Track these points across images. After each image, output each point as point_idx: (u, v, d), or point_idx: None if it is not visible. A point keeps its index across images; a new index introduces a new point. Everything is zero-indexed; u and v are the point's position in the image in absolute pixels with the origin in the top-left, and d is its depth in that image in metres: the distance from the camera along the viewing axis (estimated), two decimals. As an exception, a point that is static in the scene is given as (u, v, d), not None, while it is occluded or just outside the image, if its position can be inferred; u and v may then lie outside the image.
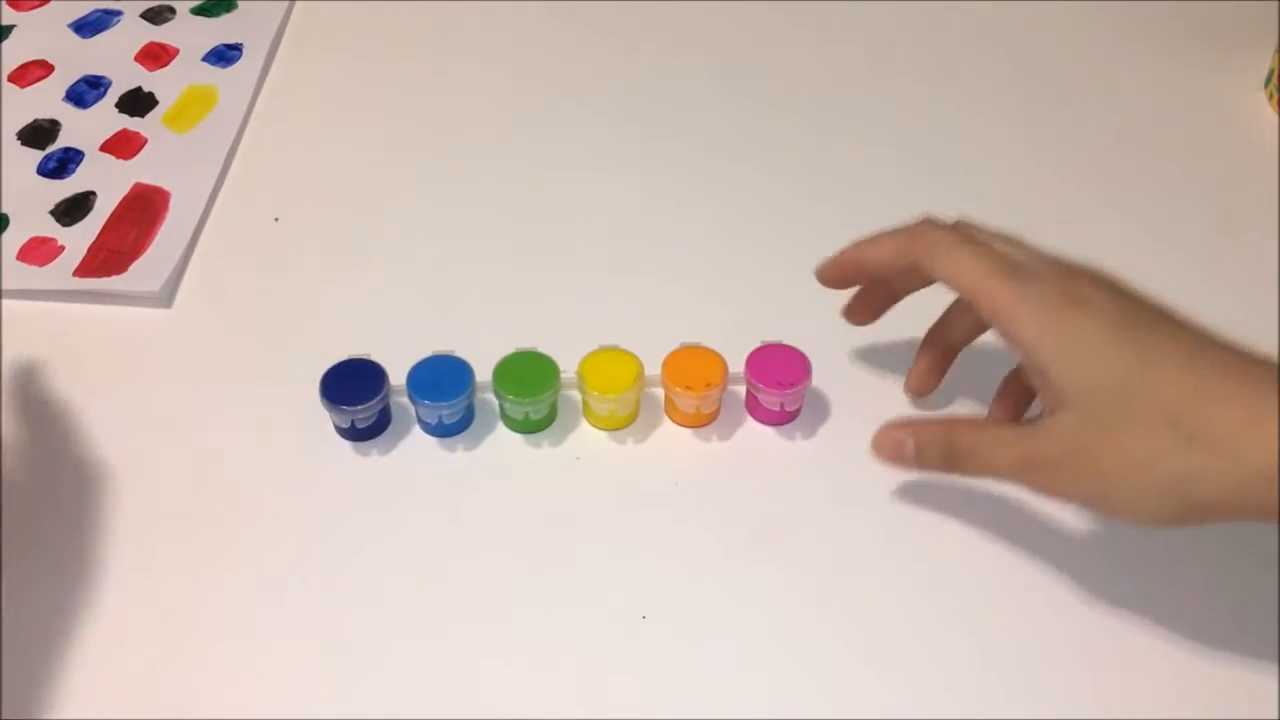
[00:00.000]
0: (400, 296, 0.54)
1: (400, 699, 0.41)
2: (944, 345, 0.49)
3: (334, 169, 0.61)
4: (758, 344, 0.49)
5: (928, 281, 0.45)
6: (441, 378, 0.48)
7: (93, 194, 0.58)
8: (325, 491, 0.47)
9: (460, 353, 0.49)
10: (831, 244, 0.52)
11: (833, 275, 0.48)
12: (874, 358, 0.52)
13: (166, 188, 0.59)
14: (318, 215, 0.58)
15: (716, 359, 0.48)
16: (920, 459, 0.44)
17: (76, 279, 0.54)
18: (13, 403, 0.50)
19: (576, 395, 0.49)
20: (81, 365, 0.51)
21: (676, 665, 0.42)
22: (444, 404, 0.47)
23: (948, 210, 0.58)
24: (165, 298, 0.54)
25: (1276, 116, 0.63)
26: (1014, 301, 0.40)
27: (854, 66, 0.67)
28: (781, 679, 0.42)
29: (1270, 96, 0.64)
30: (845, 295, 0.49)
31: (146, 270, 0.55)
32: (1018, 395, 0.48)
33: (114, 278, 0.54)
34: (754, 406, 0.50)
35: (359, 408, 0.47)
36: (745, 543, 0.46)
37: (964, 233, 0.44)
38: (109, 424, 0.49)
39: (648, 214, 0.59)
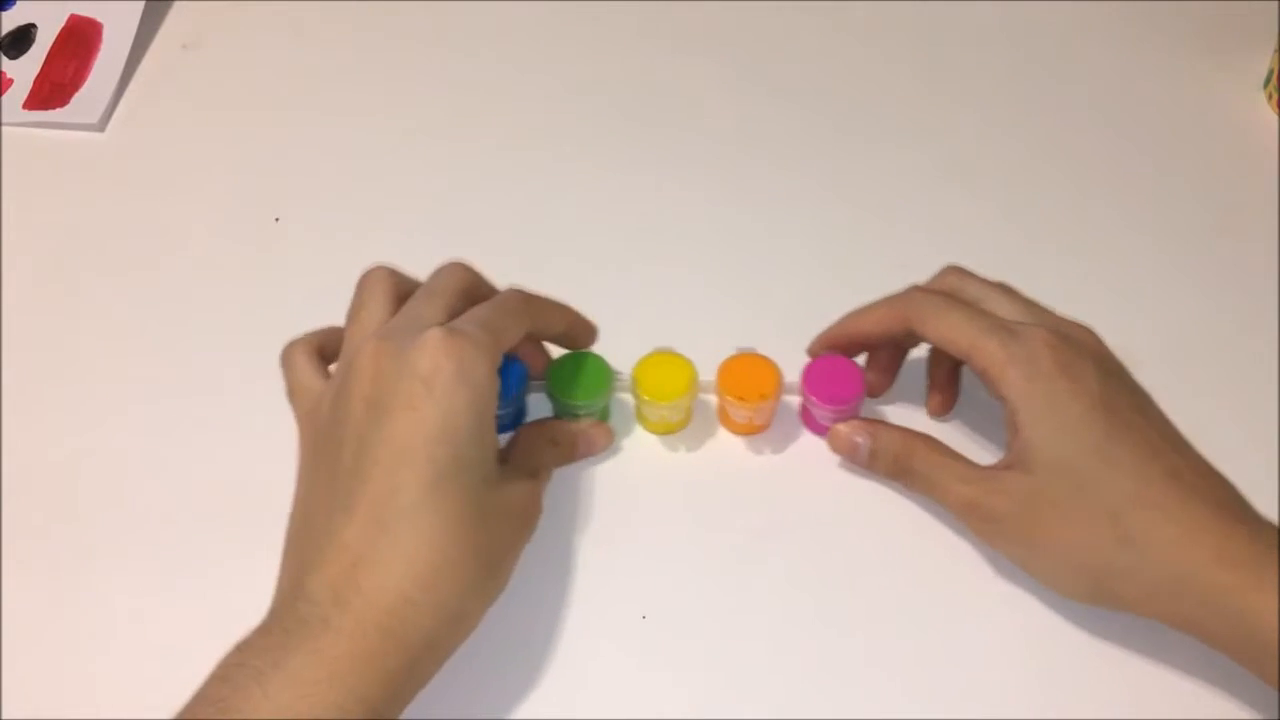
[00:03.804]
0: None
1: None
2: (950, 364, 0.49)
3: (333, 168, 0.61)
4: (808, 343, 0.48)
5: (920, 340, 0.46)
6: None
7: (34, 26, 0.64)
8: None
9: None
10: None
11: (828, 348, 0.48)
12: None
13: (99, 19, 0.64)
14: (317, 214, 0.58)
15: (771, 368, 0.47)
16: (872, 462, 0.47)
17: (26, 111, 0.61)
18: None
19: (625, 396, 0.49)
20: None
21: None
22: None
23: (950, 215, 0.59)
24: (103, 126, 0.61)
25: (1276, 116, 0.63)
26: (1004, 361, 0.42)
27: (855, 68, 0.67)
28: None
29: (1270, 96, 0.64)
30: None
31: (86, 102, 0.62)
32: (945, 378, 0.49)
33: (58, 110, 0.61)
34: (807, 416, 0.49)
35: None
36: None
37: (952, 293, 0.45)
38: (107, 427, 0.49)
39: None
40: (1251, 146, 0.62)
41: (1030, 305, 0.45)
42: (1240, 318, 0.54)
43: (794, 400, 0.49)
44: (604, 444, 0.48)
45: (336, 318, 0.48)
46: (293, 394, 0.44)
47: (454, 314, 0.42)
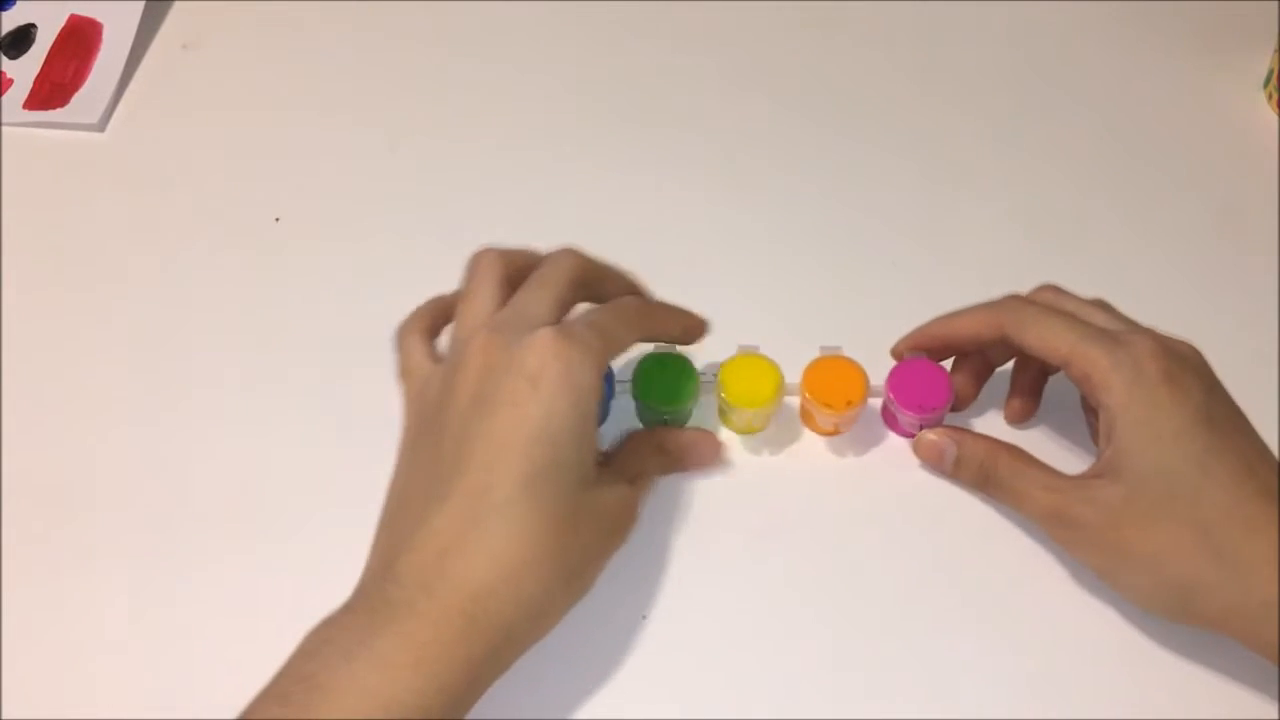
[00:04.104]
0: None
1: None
2: (1036, 371, 0.49)
3: (333, 168, 0.60)
4: (889, 343, 0.48)
5: (1013, 354, 0.46)
6: None
7: (34, 26, 0.64)
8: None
9: None
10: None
11: (915, 349, 0.48)
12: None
13: (99, 19, 0.64)
14: (317, 214, 0.58)
15: (857, 372, 0.47)
16: (957, 470, 0.46)
17: (26, 111, 0.61)
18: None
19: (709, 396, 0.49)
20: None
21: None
22: None
23: (950, 215, 0.59)
24: (103, 126, 0.62)
25: (1276, 116, 0.63)
26: (1108, 368, 0.41)
27: (855, 68, 0.67)
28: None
29: (1270, 96, 0.64)
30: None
31: (86, 102, 0.62)
32: (1028, 385, 0.49)
33: (58, 110, 0.61)
34: (889, 416, 0.49)
35: None
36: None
37: (1050, 303, 0.45)
38: (107, 427, 0.49)
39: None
40: (1251, 146, 0.62)
41: (1129, 320, 0.45)
42: (1240, 318, 0.54)
43: (875, 400, 0.49)
44: (714, 459, 0.48)
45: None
46: (403, 374, 0.44)
47: (565, 306, 0.42)
